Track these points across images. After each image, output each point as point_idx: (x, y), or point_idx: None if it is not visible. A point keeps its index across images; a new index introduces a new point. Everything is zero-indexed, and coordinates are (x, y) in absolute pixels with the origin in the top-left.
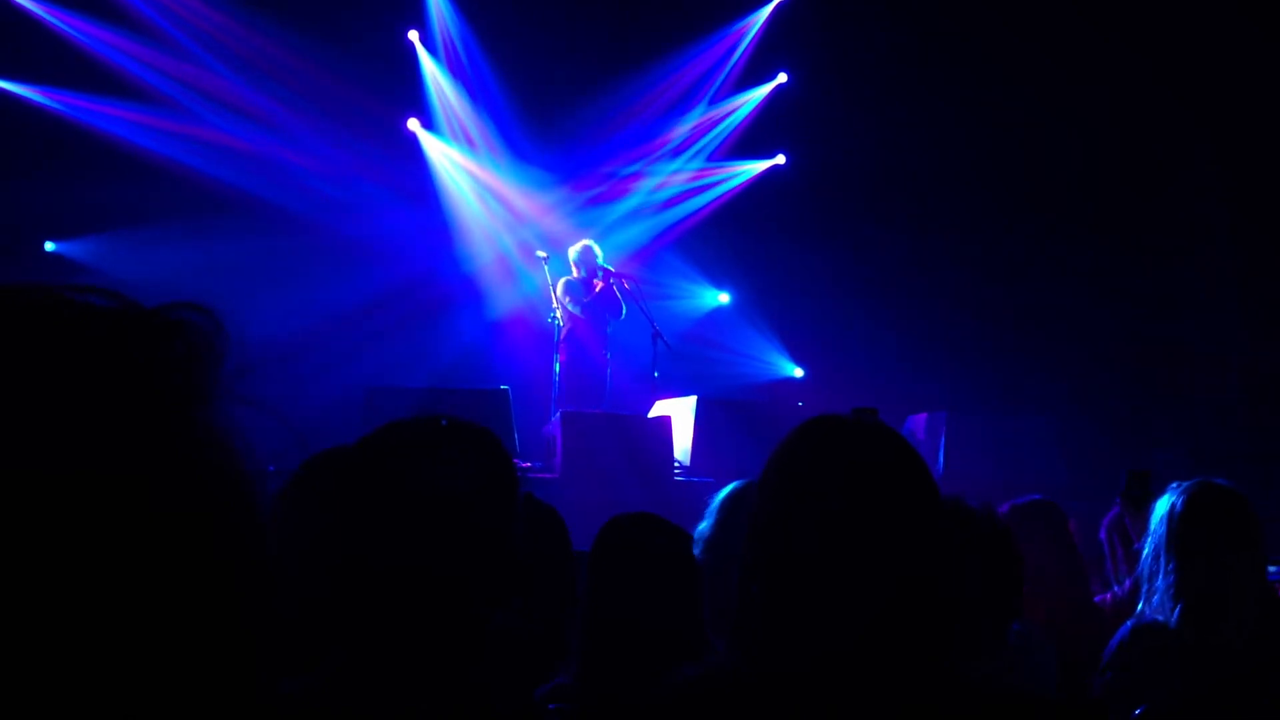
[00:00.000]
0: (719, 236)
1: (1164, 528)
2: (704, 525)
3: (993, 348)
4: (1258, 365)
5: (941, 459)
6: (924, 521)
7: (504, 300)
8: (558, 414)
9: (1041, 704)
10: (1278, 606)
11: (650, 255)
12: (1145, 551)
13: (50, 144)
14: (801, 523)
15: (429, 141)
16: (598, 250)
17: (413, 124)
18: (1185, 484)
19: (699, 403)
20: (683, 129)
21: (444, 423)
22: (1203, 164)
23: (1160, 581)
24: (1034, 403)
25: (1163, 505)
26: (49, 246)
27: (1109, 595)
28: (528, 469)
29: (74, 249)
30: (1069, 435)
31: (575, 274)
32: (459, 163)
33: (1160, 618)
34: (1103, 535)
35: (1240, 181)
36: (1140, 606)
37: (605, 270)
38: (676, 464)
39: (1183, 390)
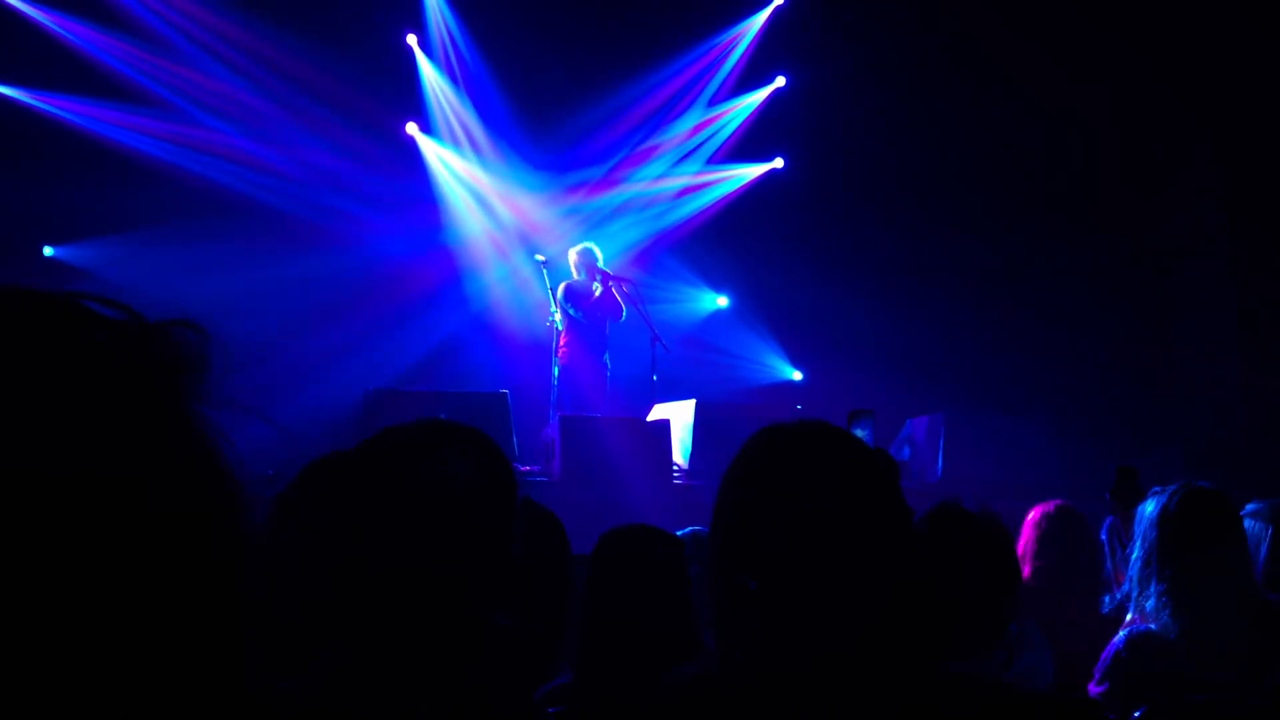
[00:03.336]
0: (717, 240)
1: (1151, 533)
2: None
3: (992, 348)
4: (1257, 365)
5: (940, 461)
6: (904, 520)
7: (503, 304)
8: (557, 418)
9: (1039, 701)
10: (1268, 606)
11: (649, 258)
12: (1134, 558)
13: (48, 148)
14: (797, 521)
15: (428, 145)
16: (598, 252)
17: (411, 128)
18: (1168, 488)
19: (698, 406)
20: (681, 132)
21: (442, 424)
22: (1203, 164)
23: (1151, 588)
24: (1033, 403)
25: (1147, 511)
26: (47, 251)
27: (1110, 597)
28: (527, 472)
29: (72, 253)
30: (1068, 436)
31: (576, 276)
32: (458, 167)
33: (1153, 625)
34: (1104, 536)
35: (1240, 181)
36: (1130, 614)
37: (604, 274)
38: (675, 467)
39: (1181, 390)
